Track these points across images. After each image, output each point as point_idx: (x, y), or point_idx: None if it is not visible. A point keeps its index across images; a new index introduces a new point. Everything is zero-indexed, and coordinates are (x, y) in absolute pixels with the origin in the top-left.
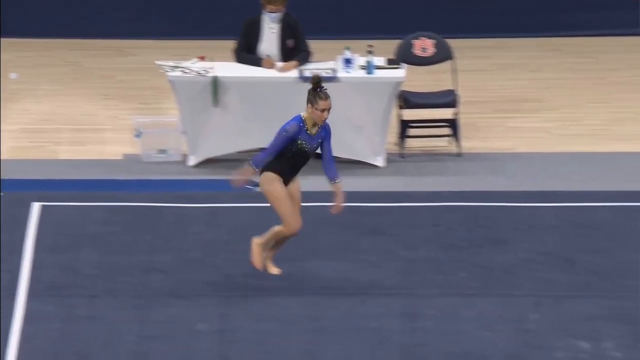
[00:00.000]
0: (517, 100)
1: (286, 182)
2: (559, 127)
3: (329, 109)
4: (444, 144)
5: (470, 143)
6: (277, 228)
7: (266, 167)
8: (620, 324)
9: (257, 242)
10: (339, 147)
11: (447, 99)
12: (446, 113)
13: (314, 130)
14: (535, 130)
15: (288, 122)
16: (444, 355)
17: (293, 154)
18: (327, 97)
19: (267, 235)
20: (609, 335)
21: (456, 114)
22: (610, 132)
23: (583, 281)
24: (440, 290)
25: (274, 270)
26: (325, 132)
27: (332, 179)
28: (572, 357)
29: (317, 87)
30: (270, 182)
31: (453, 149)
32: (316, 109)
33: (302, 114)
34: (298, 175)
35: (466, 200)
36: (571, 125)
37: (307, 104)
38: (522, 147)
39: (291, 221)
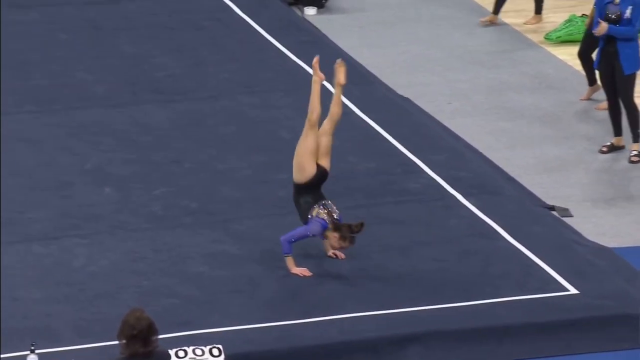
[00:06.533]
0: None
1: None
2: None
3: (347, 248)
4: None
5: None
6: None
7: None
8: None
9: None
10: None
11: None
12: None
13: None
14: None
15: (316, 226)
16: None
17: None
18: (353, 243)
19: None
20: None
21: None
22: None
23: None
24: None
25: None
26: None
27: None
28: None
29: (357, 231)
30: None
31: None
32: (338, 244)
33: (328, 226)
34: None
35: None
36: None
37: (335, 231)
38: None
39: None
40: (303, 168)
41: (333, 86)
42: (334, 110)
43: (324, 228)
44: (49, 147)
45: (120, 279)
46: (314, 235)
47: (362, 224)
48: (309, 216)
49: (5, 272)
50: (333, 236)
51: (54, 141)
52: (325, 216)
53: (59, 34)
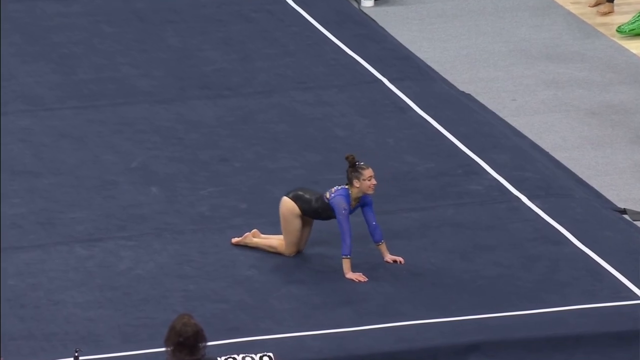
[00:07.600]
0: None
1: (304, 221)
2: None
3: (374, 174)
4: None
5: None
6: (276, 244)
7: (296, 200)
8: None
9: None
10: None
11: None
12: None
13: (354, 203)
14: None
15: (339, 199)
16: None
17: (329, 216)
18: (367, 165)
19: (264, 241)
20: None
21: None
22: None
23: None
24: None
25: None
26: (363, 201)
27: (378, 241)
28: None
29: (354, 164)
30: (294, 214)
31: None
32: (364, 180)
33: (346, 187)
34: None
35: None
36: None
37: (352, 181)
38: None
39: (290, 250)
40: (288, 225)
41: (250, 244)
42: (273, 242)
43: (346, 193)
44: (92, 144)
45: (166, 282)
46: (349, 209)
47: (350, 156)
48: (326, 200)
49: (46, 274)
50: (359, 184)
51: (98, 138)
52: (334, 189)
53: (103, 27)
